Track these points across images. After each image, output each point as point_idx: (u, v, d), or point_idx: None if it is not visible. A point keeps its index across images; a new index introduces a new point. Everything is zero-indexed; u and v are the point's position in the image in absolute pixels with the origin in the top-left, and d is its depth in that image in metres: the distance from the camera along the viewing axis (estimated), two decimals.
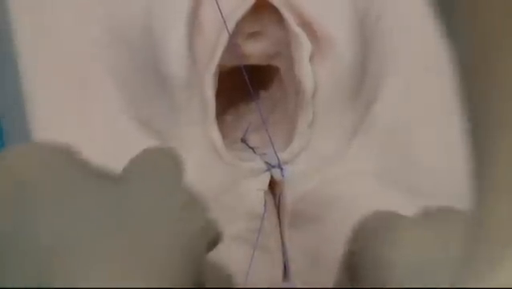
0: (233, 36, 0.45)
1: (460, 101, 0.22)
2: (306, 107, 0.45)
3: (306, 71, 0.45)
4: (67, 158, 0.32)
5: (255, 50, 0.47)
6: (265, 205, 0.46)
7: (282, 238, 0.47)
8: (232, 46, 0.46)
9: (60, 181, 0.31)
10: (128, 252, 0.29)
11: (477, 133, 0.22)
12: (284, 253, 0.47)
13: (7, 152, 0.31)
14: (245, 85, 0.47)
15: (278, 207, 0.47)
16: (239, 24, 0.45)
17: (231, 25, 0.45)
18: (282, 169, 0.46)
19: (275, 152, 0.46)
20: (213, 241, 0.34)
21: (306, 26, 0.45)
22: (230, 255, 0.46)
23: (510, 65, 0.20)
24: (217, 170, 0.46)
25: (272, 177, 0.46)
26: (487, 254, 0.20)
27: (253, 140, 0.48)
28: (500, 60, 0.20)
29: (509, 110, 0.20)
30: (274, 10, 0.46)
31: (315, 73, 0.45)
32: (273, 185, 0.47)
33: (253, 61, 0.48)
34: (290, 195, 0.46)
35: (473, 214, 0.21)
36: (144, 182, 0.32)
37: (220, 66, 0.46)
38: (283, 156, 0.46)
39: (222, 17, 0.45)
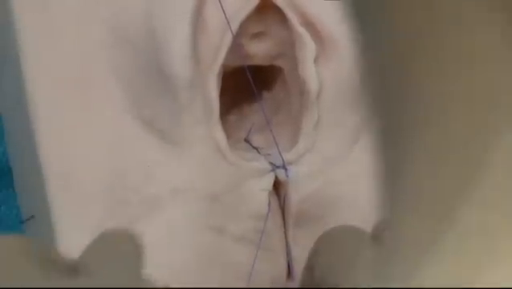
0: (237, 36, 0.45)
1: (372, 100, 0.22)
2: (311, 108, 0.45)
3: (311, 72, 0.45)
4: (27, 251, 0.30)
5: (259, 51, 0.47)
6: (269, 205, 0.46)
7: (286, 238, 0.47)
8: (236, 47, 0.46)
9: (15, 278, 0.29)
10: None
11: (391, 133, 0.21)
12: (288, 253, 0.47)
13: None
14: (248, 85, 0.47)
15: (282, 208, 0.47)
16: (243, 24, 0.45)
17: (235, 25, 0.45)
18: (286, 170, 0.46)
19: (280, 153, 0.46)
20: None
21: (310, 26, 0.45)
22: (234, 256, 0.46)
23: (425, 65, 0.20)
24: (220, 170, 0.46)
25: (276, 177, 0.46)
26: (397, 271, 0.20)
27: (257, 140, 0.48)
28: (415, 60, 0.20)
29: (424, 109, 0.20)
30: (278, 11, 0.46)
31: (320, 74, 0.45)
32: (277, 186, 0.47)
33: (257, 61, 0.48)
34: (294, 196, 0.46)
35: (383, 223, 0.21)
36: (103, 275, 0.31)
37: (223, 66, 0.46)
38: (288, 156, 0.46)
39: (226, 17, 0.45)
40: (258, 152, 0.47)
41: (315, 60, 0.45)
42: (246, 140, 0.48)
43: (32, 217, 0.50)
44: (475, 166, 0.18)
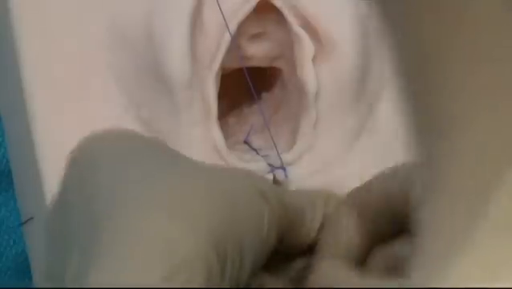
0: (235, 37, 0.45)
1: (403, 105, 0.22)
2: (309, 109, 0.45)
3: (309, 73, 0.45)
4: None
5: (257, 52, 0.47)
6: None
7: None
8: (234, 48, 0.46)
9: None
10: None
11: (423, 135, 0.21)
12: None
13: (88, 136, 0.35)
14: (247, 87, 0.47)
15: None
16: (241, 25, 0.45)
17: (233, 26, 0.45)
18: (285, 170, 0.46)
19: (278, 154, 0.46)
20: None
21: (309, 27, 0.45)
22: None
23: (450, 67, 0.20)
24: None
25: (275, 178, 0.46)
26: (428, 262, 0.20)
27: (256, 141, 0.48)
28: (443, 60, 0.20)
29: (458, 107, 0.20)
30: (277, 11, 0.46)
31: (318, 74, 0.45)
32: None
33: (256, 63, 0.47)
34: None
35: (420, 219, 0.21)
36: None
37: (222, 68, 0.46)
38: (286, 157, 0.46)
39: (224, 18, 0.45)
40: (257, 153, 0.47)
41: (314, 60, 0.45)
42: (245, 142, 0.48)
43: (31, 218, 0.50)
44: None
